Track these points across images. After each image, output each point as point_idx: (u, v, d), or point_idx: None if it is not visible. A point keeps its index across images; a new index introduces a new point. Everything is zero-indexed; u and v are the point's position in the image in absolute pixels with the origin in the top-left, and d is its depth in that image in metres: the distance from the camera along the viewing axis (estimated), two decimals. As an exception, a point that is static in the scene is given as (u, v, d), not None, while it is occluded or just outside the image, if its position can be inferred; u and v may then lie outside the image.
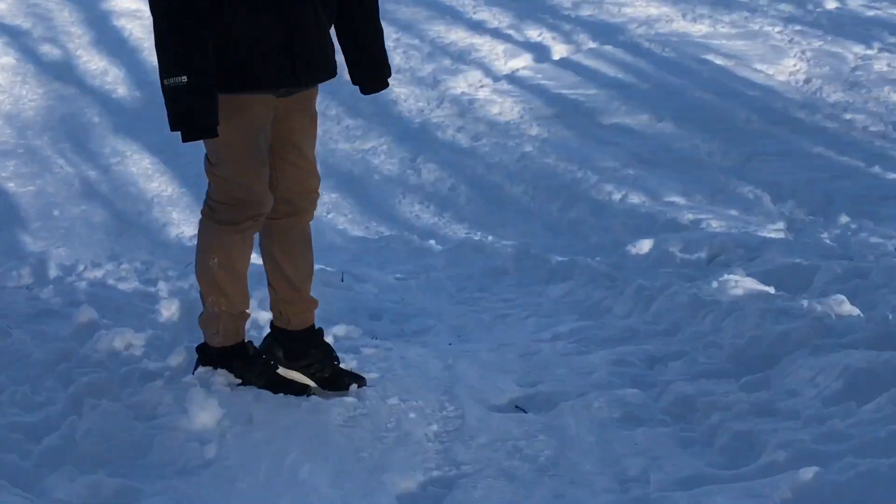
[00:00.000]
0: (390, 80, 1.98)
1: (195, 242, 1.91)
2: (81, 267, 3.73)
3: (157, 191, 5.99)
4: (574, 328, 2.69)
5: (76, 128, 6.74)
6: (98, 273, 3.58)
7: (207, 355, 1.86)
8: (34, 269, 3.56)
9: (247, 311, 1.90)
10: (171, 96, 1.59)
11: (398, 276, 3.85)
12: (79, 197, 5.91)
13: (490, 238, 4.75)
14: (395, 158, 6.04)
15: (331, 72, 1.81)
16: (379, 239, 4.95)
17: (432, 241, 4.71)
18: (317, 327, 1.95)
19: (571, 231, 4.97)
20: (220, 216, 1.76)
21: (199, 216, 1.84)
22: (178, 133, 1.64)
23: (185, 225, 5.46)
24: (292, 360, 1.91)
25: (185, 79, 1.56)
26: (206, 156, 1.77)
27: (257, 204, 1.74)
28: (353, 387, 1.85)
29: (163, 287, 3.21)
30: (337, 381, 1.88)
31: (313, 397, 1.82)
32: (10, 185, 6.01)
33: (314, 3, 1.71)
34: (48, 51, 7.67)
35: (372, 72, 1.90)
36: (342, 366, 1.93)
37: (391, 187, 5.80)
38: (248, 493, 1.39)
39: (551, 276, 3.59)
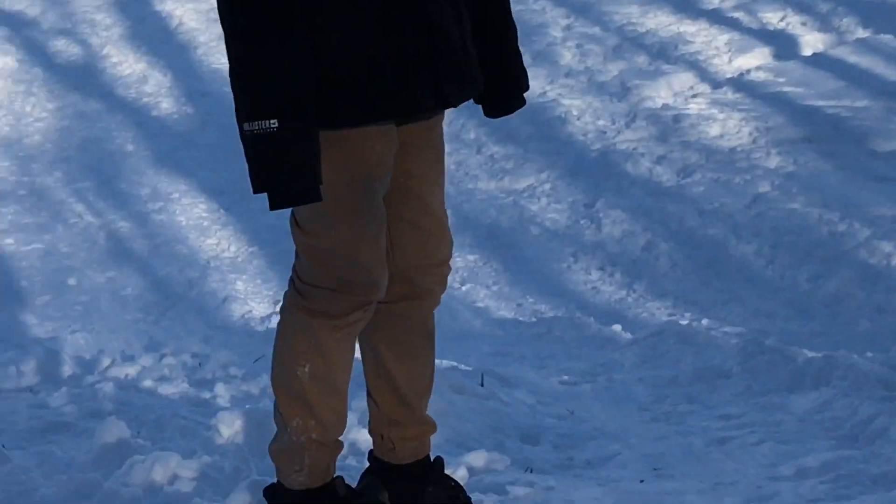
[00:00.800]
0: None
1: (272, 333, 1.86)
2: (107, 361, 3.78)
3: (214, 251, 5.95)
4: (829, 460, 2.64)
5: (101, 159, 6.50)
6: (130, 370, 3.64)
7: (283, 499, 1.85)
8: (41, 364, 3.60)
9: (341, 439, 1.87)
10: (255, 147, 1.57)
11: (565, 378, 3.91)
12: (104, 259, 5.85)
13: (705, 322, 4.73)
14: (563, 203, 6.09)
15: (479, 85, 1.77)
16: (538, 322, 4.92)
17: (617, 327, 4.67)
18: (433, 457, 1.94)
19: (829, 312, 4.90)
20: (315, 305, 1.72)
21: (281, 300, 1.83)
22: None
23: (254, 300, 5.50)
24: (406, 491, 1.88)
25: (275, 124, 1.53)
26: (294, 217, 1.72)
27: (371, 287, 1.70)
28: None
29: (222, 392, 3.26)
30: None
31: None
32: (9, 243, 5.84)
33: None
34: (63, 48, 7.38)
35: (504, 84, 1.85)
36: None
37: (556, 246, 5.84)
38: None
39: (797, 382, 3.54)
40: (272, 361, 1.83)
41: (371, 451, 1.96)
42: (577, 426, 3.15)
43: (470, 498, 1.92)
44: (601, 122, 6.44)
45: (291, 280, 1.78)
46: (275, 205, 1.58)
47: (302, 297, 1.74)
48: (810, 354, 3.64)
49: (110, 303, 5.52)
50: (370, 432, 1.95)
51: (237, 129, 1.56)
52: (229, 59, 1.59)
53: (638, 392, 3.59)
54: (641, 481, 2.57)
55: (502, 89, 1.85)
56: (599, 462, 2.78)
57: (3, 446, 2.48)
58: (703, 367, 3.77)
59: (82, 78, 7.20)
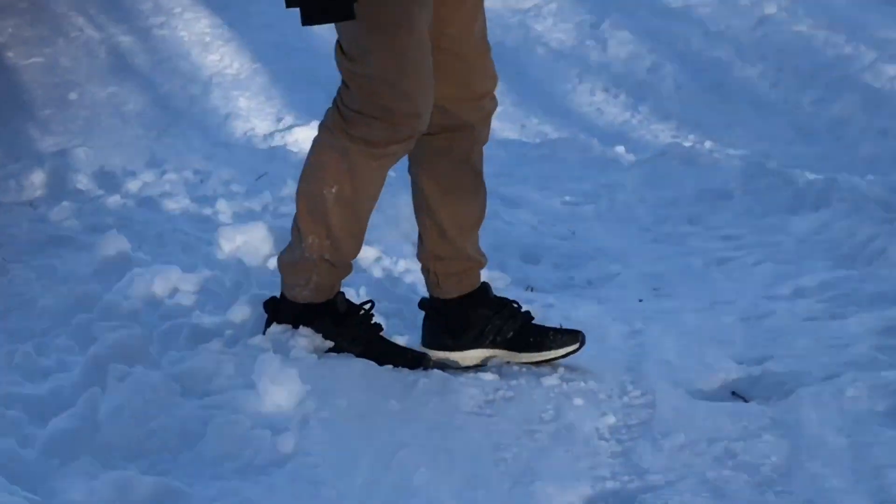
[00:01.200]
0: None
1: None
2: (108, 176, 3.72)
3: (217, 67, 5.71)
4: (826, 280, 2.64)
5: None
6: (132, 185, 3.59)
7: (286, 311, 1.85)
8: (43, 178, 3.54)
9: (351, 263, 1.88)
10: None
11: (567, 199, 3.87)
12: (106, 74, 5.67)
13: (707, 144, 4.67)
14: (570, 23, 5.95)
15: None
16: (541, 144, 4.83)
17: (620, 148, 4.59)
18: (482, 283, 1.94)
19: (831, 136, 4.83)
20: (355, 131, 1.69)
21: (316, 120, 1.83)
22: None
23: (257, 118, 5.30)
24: (455, 339, 1.90)
25: None
26: (339, 43, 1.69)
27: (414, 117, 1.66)
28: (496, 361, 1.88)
29: (224, 208, 3.30)
30: (538, 339, 1.88)
31: (435, 372, 1.79)
32: (10, 56, 5.63)
33: None
34: None
35: None
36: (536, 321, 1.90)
37: (562, 66, 5.72)
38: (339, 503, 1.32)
39: (797, 204, 3.50)
40: (301, 175, 1.82)
41: (428, 290, 1.97)
42: (578, 246, 3.18)
43: (521, 309, 1.93)
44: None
45: (335, 102, 1.76)
46: (308, 20, 1.58)
47: (344, 120, 1.74)
48: (811, 177, 3.62)
49: (112, 118, 5.37)
50: (421, 270, 1.98)
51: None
52: None
53: (639, 213, 3.60)
54: (640, 300, 2.60)
55: None
56: (600, 281, 2.82)
57: (4, 259, 2.46)
58: (704, 188, 3.75)
59: None
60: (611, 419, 1.66)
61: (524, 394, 1.75)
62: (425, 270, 1.93)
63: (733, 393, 1.89)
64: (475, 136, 1.85)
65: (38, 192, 3.47)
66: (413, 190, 1.91)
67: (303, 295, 1.83)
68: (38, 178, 3.57)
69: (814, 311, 2.43)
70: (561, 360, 1.89)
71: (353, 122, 1.69)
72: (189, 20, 6.01)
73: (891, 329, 2.09)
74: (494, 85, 1.84)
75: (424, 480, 1.37)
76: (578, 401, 1.72)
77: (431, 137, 1.77)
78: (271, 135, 5.08)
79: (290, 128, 5.04)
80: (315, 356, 1.78)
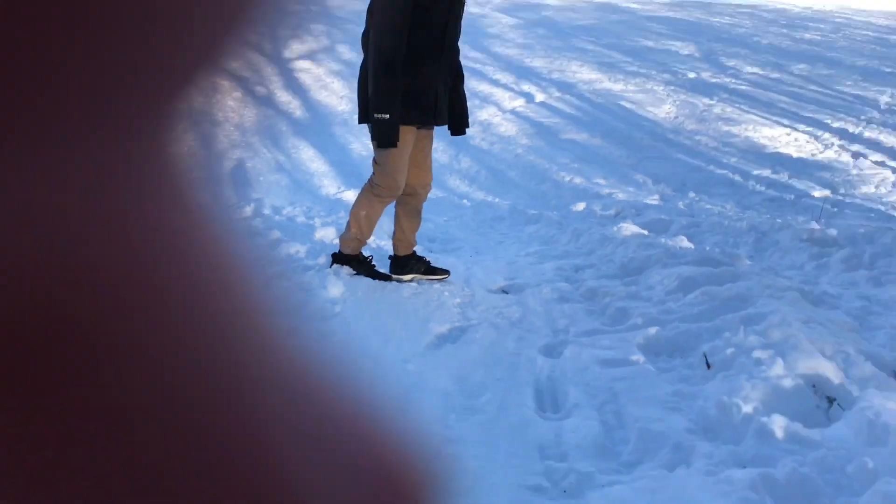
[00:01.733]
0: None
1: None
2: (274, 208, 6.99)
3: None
4: (537, 250, 5.50)
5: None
6: (286, 210, 6.90)
7: (340, 258, 4.09)
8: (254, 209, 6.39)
9: (366, 241, 4.19)
10: (378, 125, 3.69)
11: (444, 218, 7.39)
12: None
13: (496, 199, 9.01)
14: (447, 154, 10.64)
15: (444, 121, 4.02)
16: (435, 198, 7.48)
17: (465, 200, 8.97)
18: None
19: (541, 197, 9.40)
20: (376, 191, 3.94)
21: (355, 187, 4.07)
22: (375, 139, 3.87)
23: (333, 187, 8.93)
24: (401, 270, 4.22)
25: (387, 116, 3.62)
26: (375, 159, 3.94)
27: (398, 189, 3.94)
28: (417, 277, 4.22)
29: (317, 222, 6.20)
30: (431, 270, 4.27)
31: (393, 283, 4.08)
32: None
33: (447, 78, 3.81)
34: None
35: (457, 121, 4.12)
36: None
37: (445, 172, 9.83)
38: (359, 332, 3.18)
39: (527, 221, 6.93)
40: (353, 204, 4.06)
41: (393, 258, 4.29)
42: (449, 236, 4.69)
43: (432, 264, 4.24)
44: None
45: (370, 181, 3.97)
46: (380, 146, 3.80)
47: (373, 187, 3.91)
48: (533, 211, 5.10)
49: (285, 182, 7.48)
50: (393, 244, 4.33)
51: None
52: (371, 81, 3.74)
53: (471, 224, 5.34)
54: (471, 256, 3.84)
55: (457, 124, 4.17)
56: (456, 249, 4.59)
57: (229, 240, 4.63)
58: (494, 215, 8.63)
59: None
60: (458, 300, 3.84)
61: (425, 290, 3.86)
62: (393, 245, 4.21)
63: (503, 290, 4.17)
64: (422, 198, 4.19)
65: (251, 214, 6.20)
66: (396, 216, 4.23)
67: (349, 249, 4.07)
68: (252, 208, 6.65)
69: (532, 261, 5.17)
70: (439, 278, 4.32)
71: (376, 188, 3.96)
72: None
73: (559, 268, 5.03)
74: (431, 178, 4.13)
75: (388, 321, 3.23)
76: (446, 293, 3.88)
77: (406, 196, 4.09)
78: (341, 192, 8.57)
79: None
80: (349, 276, 4.01)
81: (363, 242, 4.14)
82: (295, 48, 18.10)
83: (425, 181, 4.12)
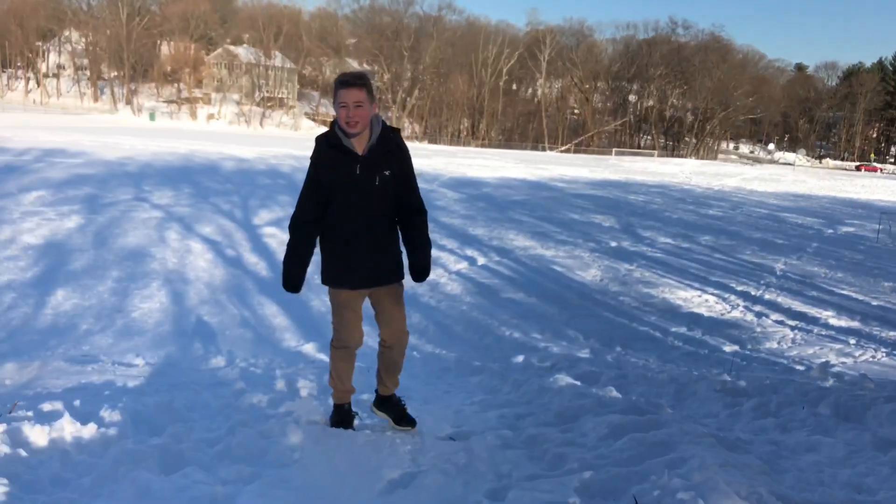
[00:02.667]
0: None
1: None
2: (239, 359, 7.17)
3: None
4: (482, 399, 5.60)
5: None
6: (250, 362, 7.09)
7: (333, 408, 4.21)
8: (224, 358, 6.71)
9: (346, 388, 4.14)
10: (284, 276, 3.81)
11: None
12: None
13: (443, 351, 9.17)
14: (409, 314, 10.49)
15: (392, 280, 3.83)
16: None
17: (415, 352, 8.72)
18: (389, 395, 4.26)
19: (484, 350, 9.56)
20: (332, 342, 3.97)
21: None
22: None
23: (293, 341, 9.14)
24: (382, 409, 4.23)
25: (284, 263, 3.77)
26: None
27: (347, 341, 3.94)
28: (389, 421, 4.18)
29: (279, 373, 6.21)
30: (402, 419, 4.19)
31: (349, 430, 4.04)
32: None
33: (374, 235, 3.69)
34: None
35: (415, 263, 3.75)
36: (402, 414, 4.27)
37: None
38: (316, 478, 3.21)
39: (472, 372, 7.05)
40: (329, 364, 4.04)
41: (376, 391, 4.25)
42: (405, 387, 4.40)
43: (412, 419, 4.21)
44: (419, 288, 8.42)
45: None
46: (286, 290, 3.82)
47: (333, 340, 3.90)
48: (477, 363, 5.38)
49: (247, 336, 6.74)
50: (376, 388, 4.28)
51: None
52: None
53: (421, 375, 5.17)
54: (422, 405, 3.68)
55: (412, 267, 3.76)
56: (408, 398, 4.19)
57: (200, 389, 4.04)
58: (442, 367, 7.47)
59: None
60: (408, 447, 3.78)
61: (378, 435, 4.05)
62: (377, 387, 4.24)
63: (450, 437, 4.22)
64: (393, 349, 4.01)
65: (222, 364, 6.42)
66: (377, 359, 4.12)
67: (333, 398, 4.18)
68: (221, 358, 6.97)
69: (476, 409, 5.31)
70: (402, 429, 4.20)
71: (334, 340, 3.98)
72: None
73: (502, 416, 5.00)
74: (404, 332, 3.97)
75: (345, 466, 3.27)
76: (398, 439, 3.86)
77: (382, 348, 4.02)
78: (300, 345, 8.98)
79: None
80: (307, 423, 4.06)
81: (344, 391, 4.10)
82: (263, 216, 18.45)
83: (391, 334, 3.95)
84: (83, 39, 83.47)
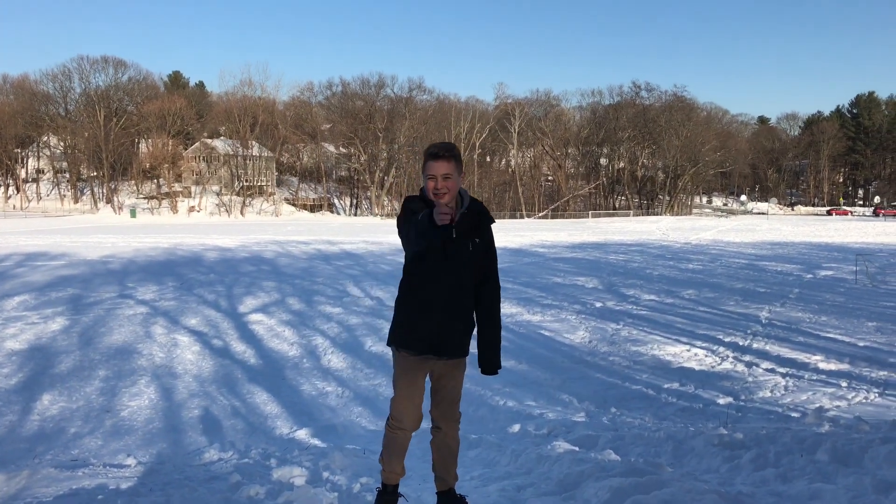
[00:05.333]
0: None
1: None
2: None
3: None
4: (481, 473, 5.55)
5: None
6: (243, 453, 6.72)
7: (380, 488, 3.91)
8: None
9: (396, 472, 3.83)
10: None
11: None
12: None
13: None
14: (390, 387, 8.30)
15: (458, 354, 3.67)
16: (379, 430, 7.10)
17: None
18: (458, 494, 3.92)
19: (479, 421, 9.44)
20: (388, 420, 3.71)
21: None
22: None
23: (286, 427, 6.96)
24: None
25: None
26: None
27: (401, 419, 3.65)
28: None
29: (274, 462, 6.12)
30: None
31: None
32: None
33: (453, 303, 3.55)
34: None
35: (486, 359, 3.71)
36: None
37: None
38: None
39: (469, 446, 6.77)
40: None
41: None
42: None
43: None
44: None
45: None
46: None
47: (388, 419, 3.71)
48: (474, 436, 5.03)
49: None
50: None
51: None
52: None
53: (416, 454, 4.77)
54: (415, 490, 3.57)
55: (483, 362, 3.73)
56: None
57: (195, 485, 4.91)
58: None
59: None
60: None
61: None
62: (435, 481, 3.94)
63: None
64: (443, 432, 3.79)
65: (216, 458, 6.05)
66: (430, 447, 3.89)
67: (382, 478, 3.87)
68: (215, 451, 6.44)
69: (475, 485, 5.11)
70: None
71: (389, 419, 3.72)
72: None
73: (502, 490, 4.47)
74: (458, 415, 3.80)
75: None
76: None
77: (434, 429, 3.80)
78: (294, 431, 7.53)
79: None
80: None
81: (394, 473, 3.83)
82: (249, 303, 18.39)
83: (444, 416, 3.76)
84: (61, 143, 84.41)
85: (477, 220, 3.64)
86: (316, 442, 8.27)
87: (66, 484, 5.89)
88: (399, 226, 3.46)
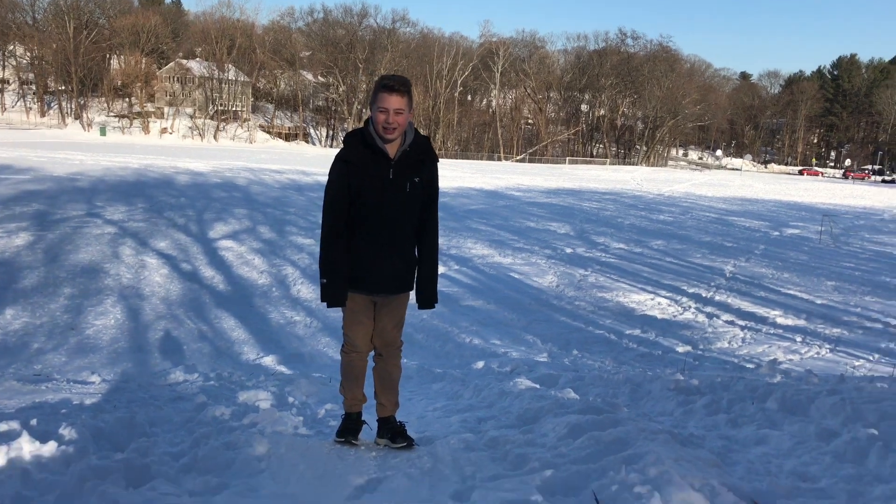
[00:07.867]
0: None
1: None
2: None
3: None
4: (444, 405, 5.70)
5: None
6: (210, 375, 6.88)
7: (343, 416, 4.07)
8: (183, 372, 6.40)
9: (356, 398, 3.99)
10: (321, 288, 3.61)
11: None
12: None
13: (405, 360, 8.43)
14: None
15: (398, 290, 3.68)
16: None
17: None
18: (398, 421, 4.02)
19: (444, 356, 9.75)
20: (342, 348, 3.83)
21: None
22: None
23: (252, 353, 6.77)
24: (381, 434, 3.96)
25: (325, 281, 3.56)
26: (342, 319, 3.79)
27: (354, 346, 3.79)
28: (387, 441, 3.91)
29: (239, 386, 6.02)
30: (395, 438, 3.92)
31: (314, 439, 3.99)
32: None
33: (396, 242, 3.56)
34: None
35: (423, 296, 3.69)
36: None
37: None
38: (284, 486, 3.14)
39: (434, 379, 7.14)
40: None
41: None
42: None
43: (408, 437, 3.89)
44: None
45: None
46: (329, 306, 3.60)
47: (342, 346, 3.81)
48: (438, 370, 5.26)
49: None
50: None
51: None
52: (320, 249, 3.62)
53: None
54: None
55: (420, 298, 3.69)
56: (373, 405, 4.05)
57: (161, 405, 5.00)
58: (404, 375, 5.64)
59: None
60: (373, 453, 3.49)
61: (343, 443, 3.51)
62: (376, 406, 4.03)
63: (413, 443, 3.05)
64: (384, 359, 3.85)
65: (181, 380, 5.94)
66: (373, 374, 3.95)
67: (346, 406, 4.03)
68: (180, 373, 6.42)
69: (438, 415, 5.38)
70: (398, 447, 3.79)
71: (343, 346, 3.82)
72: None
73: (463, 420, 3.94)
74: (398, 342, 3.84)
75: (314, 474, 3.13)
76: (357, 443, 3.76)
77: (377, 357, 3.85)
78: (260, 358, 6.81)
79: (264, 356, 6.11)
80: (272, 433, 4.01)
81: (357, 400, 3.96)
82: (219, 229, 18.24)
83: (385, 344, 3.81)
84: (28, 53, 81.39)
85: (419, 158, 3.59)
86: (282, 369, 8.35)
87: (28, 397, 5.91)
88: (344, 161, 3.47)
